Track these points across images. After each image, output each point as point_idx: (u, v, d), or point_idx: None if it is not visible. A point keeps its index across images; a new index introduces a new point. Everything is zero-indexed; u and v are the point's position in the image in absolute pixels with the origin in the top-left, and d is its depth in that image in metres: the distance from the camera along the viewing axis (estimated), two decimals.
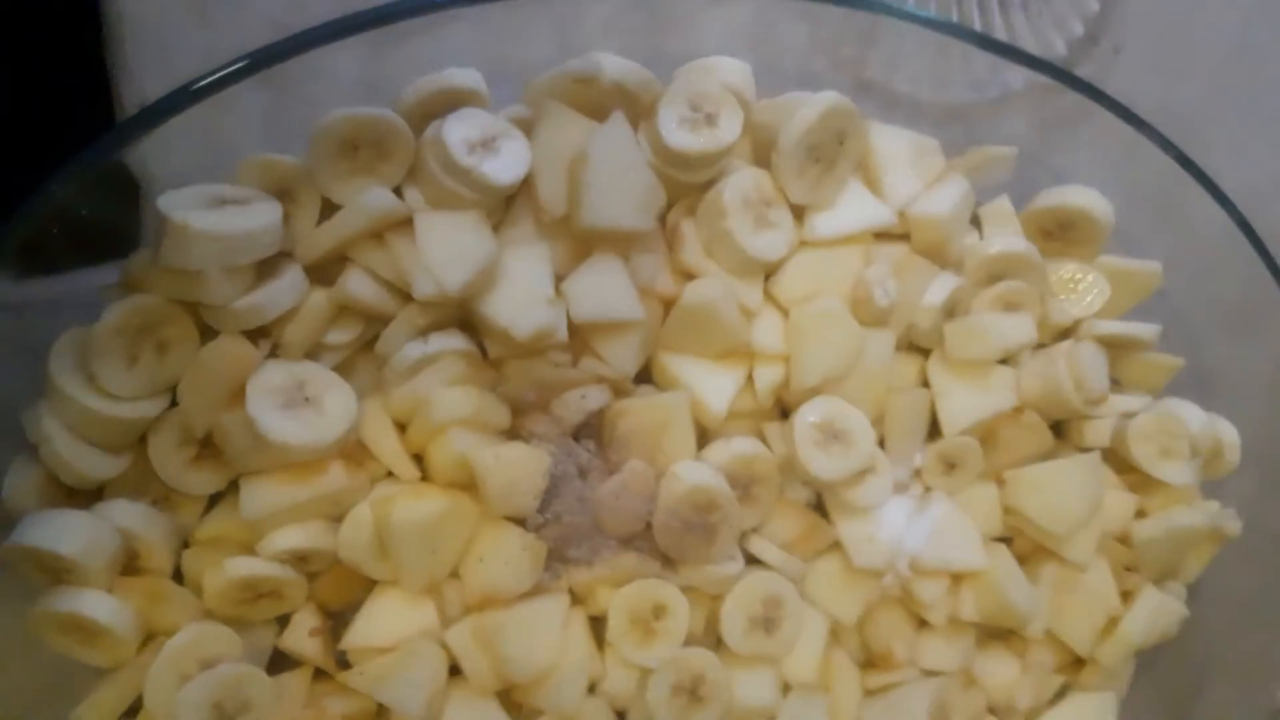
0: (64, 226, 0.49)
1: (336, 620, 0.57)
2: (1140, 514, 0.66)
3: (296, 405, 0.51)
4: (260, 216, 0.50)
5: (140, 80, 0.52)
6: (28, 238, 0.48)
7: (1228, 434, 0.67)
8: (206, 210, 0.49)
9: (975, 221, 0.65)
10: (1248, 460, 0.68)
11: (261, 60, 0.47)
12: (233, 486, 0.55)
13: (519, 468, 0.54)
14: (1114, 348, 0.65)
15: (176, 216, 0.47)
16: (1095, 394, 0.63)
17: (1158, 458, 0.64)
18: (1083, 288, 0.65)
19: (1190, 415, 0.65)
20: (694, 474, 0.57)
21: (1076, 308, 0.65)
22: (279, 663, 0.56)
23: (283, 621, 0.56)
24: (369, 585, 0.56)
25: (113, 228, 0.52)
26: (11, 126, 0.52)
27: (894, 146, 0.61)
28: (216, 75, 0.47)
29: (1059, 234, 0.64)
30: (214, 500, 0.56)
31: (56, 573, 0.50)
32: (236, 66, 0.47)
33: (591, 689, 0.57)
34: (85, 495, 0.53)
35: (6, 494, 0.51)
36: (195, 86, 0.46)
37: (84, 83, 0.51)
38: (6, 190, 0.48)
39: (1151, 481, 0.64)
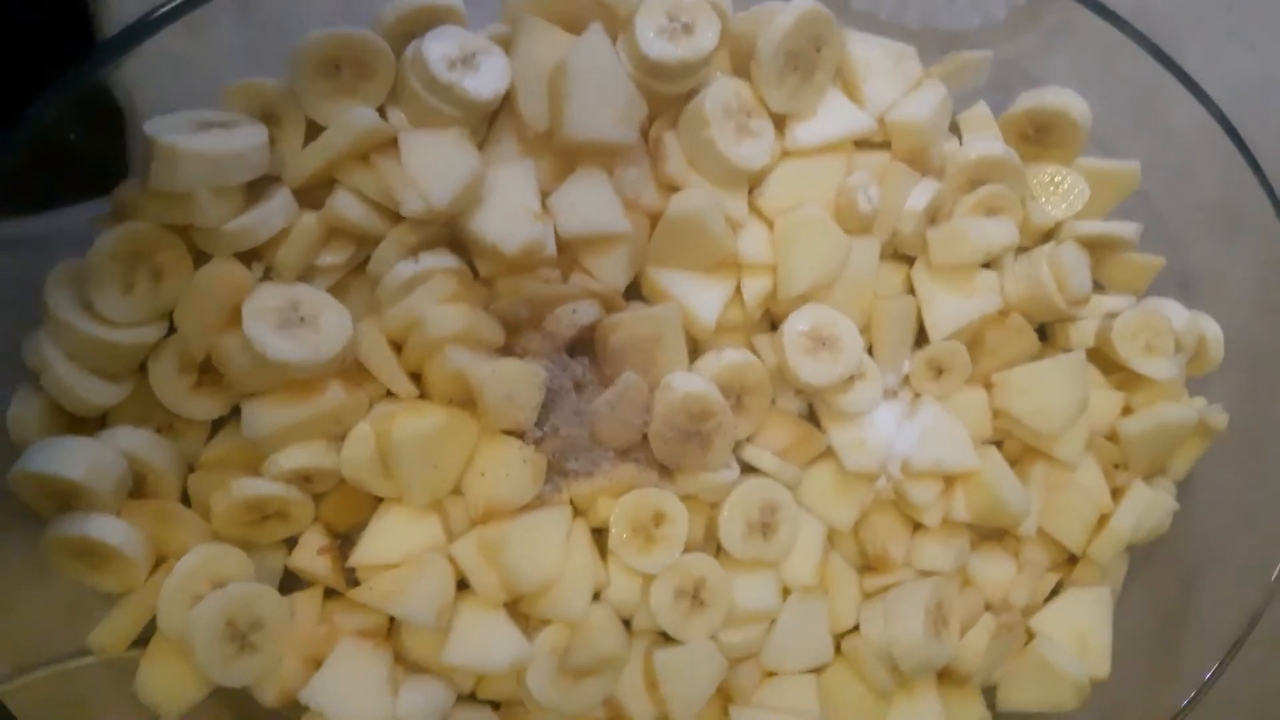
0: (51, 155, 0.49)
1: (344, 541, 0.58)
2: (1127, 411, 0.67)
3: (292, 325, 0.52)
4: (247, 137, 0.50)
5: (120, 7, 0.52)
6: (14, 166, 0.48)
7: (1211, 330, 0.68)
8: (193, 133, 0.49)
9: (955, 129, 0.65)
10: (1231, 358, 0.69)
11: None
12: (235, 412, 0.56)
13: (515, 381, 0.55)
14: (1096, 248, 0.66)
15: (164, 139, 0.48)
16: (1078, 294, 0.64)
17: (1142, 354, 0.65)
18: (1063, 190, 0.65)
19: (1173, 312, 0.66)
20: (687, 383, 0.58)
21: (1057, 209, 0.65)
22: (289, 586, 0.57)
23: (291, 545, 0.58)
24: (374, 505, 0.57)
25: (100, 159, 0.52)
26: None
27: (871, 54, 0.61)
28: None
29: (1037, 137, 0.65)
30: (216, 428, 0.57)
31: (64, 498, 0.51)
32: None
33: (596, 597, 0.58)
34: (89, 424, 0.54)
35: (11, 424, 0.52)
36: (170, 5, 0.46)
37: (64, 12, 0.51)
38: None
39: (1137, 379, 0.66)
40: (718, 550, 0.61)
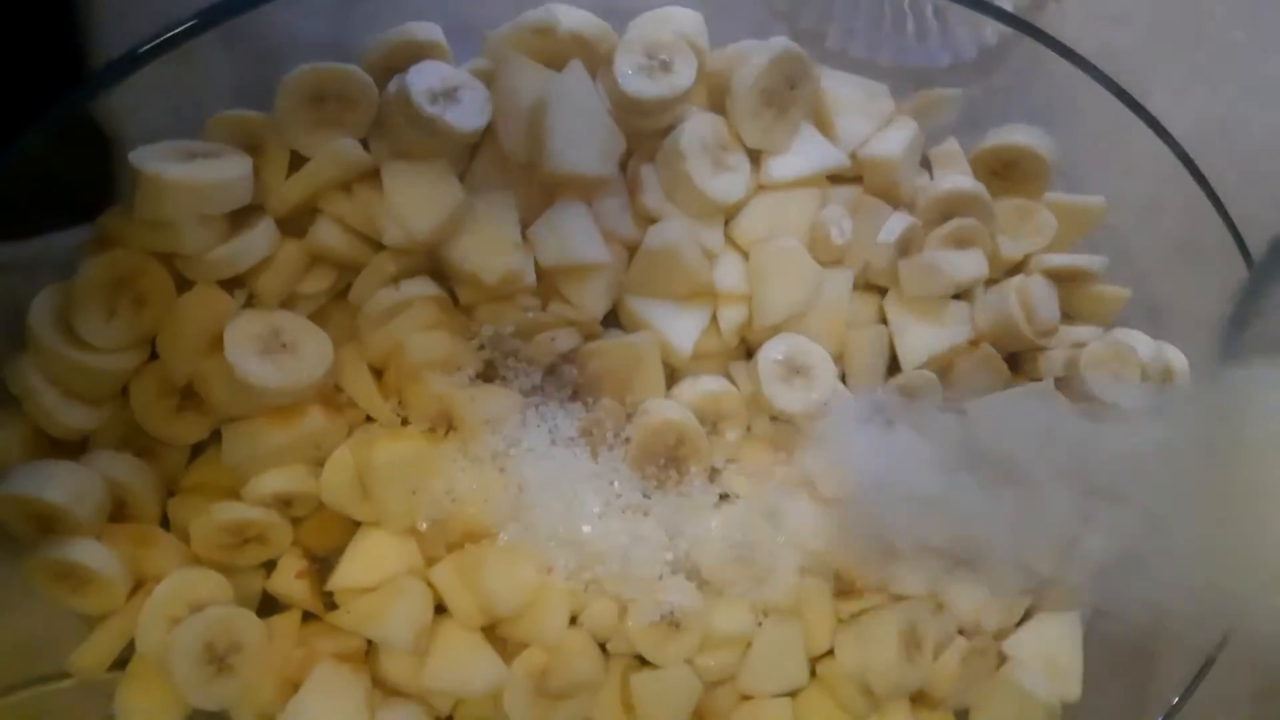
0: (37, 183, 0.50)
1: (322, 564, 0.59)
2: None
3: (274, 351, 0.53)
4: (232, 168, 0.51)
5: (107, 40, 0.53)
6: (2, 193, 0.49)
7: (1177, 360, 0.70)
8: (178, 163, 0.50)
9: (925, 164, 0.67)
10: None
11: (224, 11, 0.48)
12: (215, 436, 0.56)
13: (494, 407, 0.56)
14: (1063, 280, 0.68)
15: (149, 168, 0.49)
16: (1047, 325, 0.66)
17: (1110, 383, 0.66)
18: (1031, 224, 0.67)
19: (1139, 343, 0.68)
20: (664, 410, 0.59)
21: (1025, 243, 0.67)
22: (268, 608, 0.58)
23: (269, 568, 0.58)
24: (352, 528, 0.58)
25: (86, 186, 0.53)
26: None
27: (844, 91, 0.63)
28: (181, 28, 0.48)
29: (1005, 173, 0.67)
30: (197, 451, 0.58)
31: (46, 521, 0.52)
32: (199, 20, 0.48)
33: (573, 621, 0.59)
34: (70, 448, 0.54)
35: None
36: (159, 40, 0.47)
37: (52, 47, 0.52)
38: None
39: (1105, 407, 0.67)
40: (694, 572, 0.61)
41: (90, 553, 0.52)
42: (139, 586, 0.55)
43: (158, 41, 0.47)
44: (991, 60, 0.69)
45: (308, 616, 0.58)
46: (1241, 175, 0.72)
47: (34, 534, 0.52)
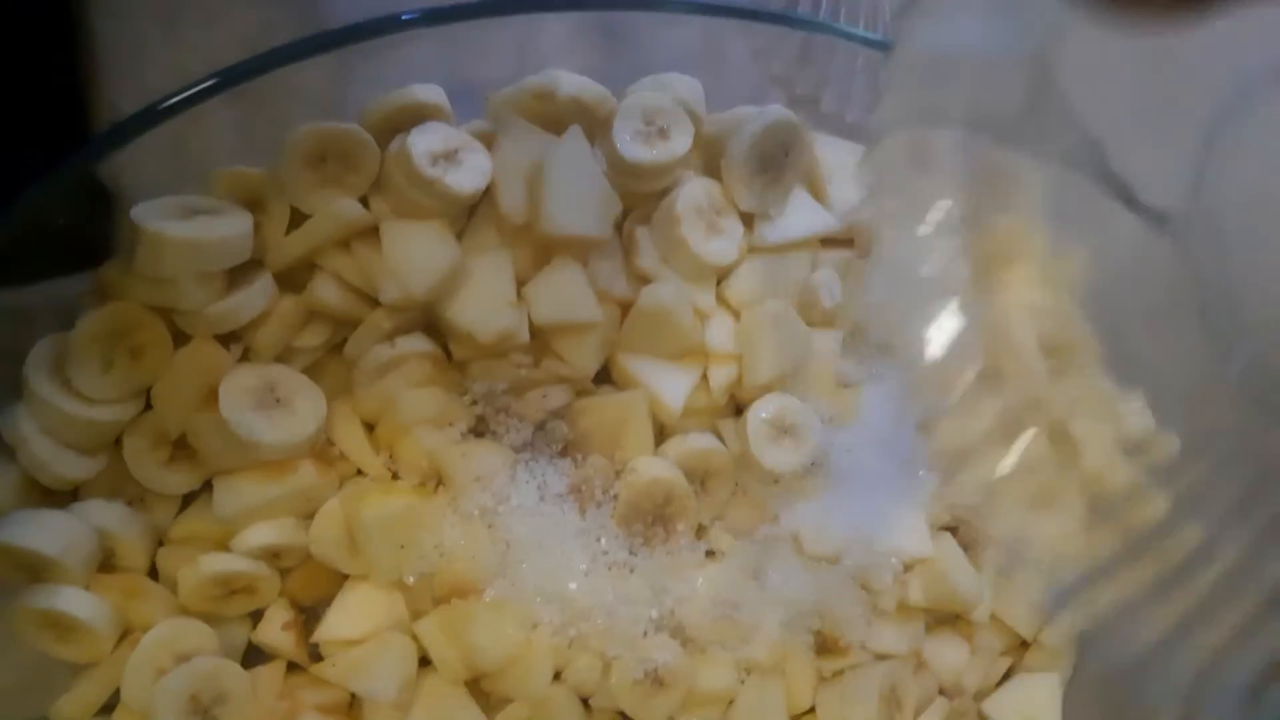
0: (39, 237, 0.50)
1: (308, 615, 0.59)
2: None
3: (268, 406, 0.53)
4: (232, 225, 0.52)
5: (113, 97, 0.54)
6: (3, 248, 0.49)
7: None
8: (180, 220, 0.51)
9: None
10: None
11: (230, 78, 0.49)
12: (206, 487, 0.57)
13: (484, 463, 0.56)
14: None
15: (151, 226, 0.49)
16: None
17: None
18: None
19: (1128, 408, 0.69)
20: (652, 468, 0.59)
21: None
22: (253, 658, 0.58)
23: (256, 617, 0.58)
24: (340, 580, 0.58)
25: (87, 238, 0.54)
26: None
27: (837, 157, 0.64)
28: (188, 92, 0.49)
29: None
30: (187, 501, 0.58)
31: (35, 570, 0.52)
32: (207, 84, 0.49)
33: (557, 676, 0.59)
34: (62, 496, 0.55)
35: None
36: (167, 104, 0.48)
37: (58, 100, 0.53)
38: None
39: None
40: (679, 629, 0.62)
41: (79, 603, 0.52)
42: (125, 636, 0.55)
43: (167, 104, 0.47)
44: None
45: (293, 667, 0.58)
46: None
47: (22, 580, 0.53)
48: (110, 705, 0.55)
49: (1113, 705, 0.71)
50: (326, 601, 0.58)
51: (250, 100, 0.56)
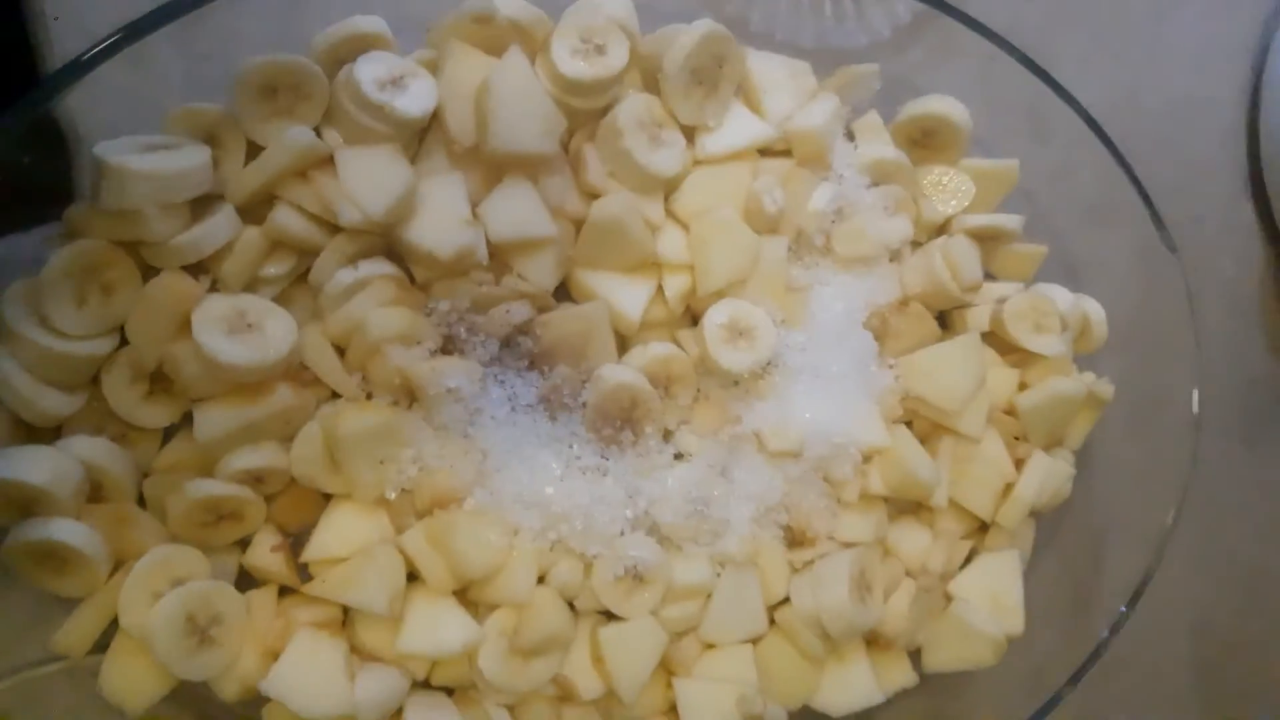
0: (1, 183, 0.52)
1: (295, 541, 0.61)
2: (1023, 387, 0.73)
3: (240, 330, 0.55)
4: (191, 157, 0.54)
5: (62, 42, 0.55)
6: None
7: (1094, 310, 0.74)
8: (141, 154, 0.52)
9: (850, 136, 0.72)
10: (1116, 337, 0.76)
11: (176, 9, 0.51)
12: (186, 420, 0.58)
13: (453, 377, 0.59)
14: (984, 240, 0.72)
15: (113, 160, 0.51)
16: (971, 282, 0.70)
17: (1032, 332, 0.71)
18: (950, 188, 0.72)
19: (1058, 295, 0.73)
20: (617, 374, 0.62)
21: (946, 206, 0.72)
22: (244, 586, 0.59)
23: (245, 546, 0.60)
24: (323, 504, 0.60)
25: (48, 185, 0.55)
26: None
27: (770, 70, 0.67)
28: (135, 25, 0.50)
29: (924, 141, 0.71)
30: (168, 435, 0.59)
31: (25, 504, 0.53)
32: (153, 16, 0.51)
33: (541, 580, 0.62)
34: (46, 433, 0.56)
35: None
36: (113, 39, 0.50)
37: (7, 47, 0.54)
38: None
39: (1030, 357, 0.72)
40: (654, 528, 0.64)
41: (72, 532, 0.54)
42: (119, 566, 0.57)
43: (111, 41, 0.49)
44: (906, 38, 0.73)
45: (284, 591, 0.60)
46: (1147, 139, 0.78)
47: (13, 518, 0.54)
48: (108, 639, 0.57)
49: (1073, 577, 0.75)
50: (312, 526, 0.60)
51: (199, 43, 0.58)
